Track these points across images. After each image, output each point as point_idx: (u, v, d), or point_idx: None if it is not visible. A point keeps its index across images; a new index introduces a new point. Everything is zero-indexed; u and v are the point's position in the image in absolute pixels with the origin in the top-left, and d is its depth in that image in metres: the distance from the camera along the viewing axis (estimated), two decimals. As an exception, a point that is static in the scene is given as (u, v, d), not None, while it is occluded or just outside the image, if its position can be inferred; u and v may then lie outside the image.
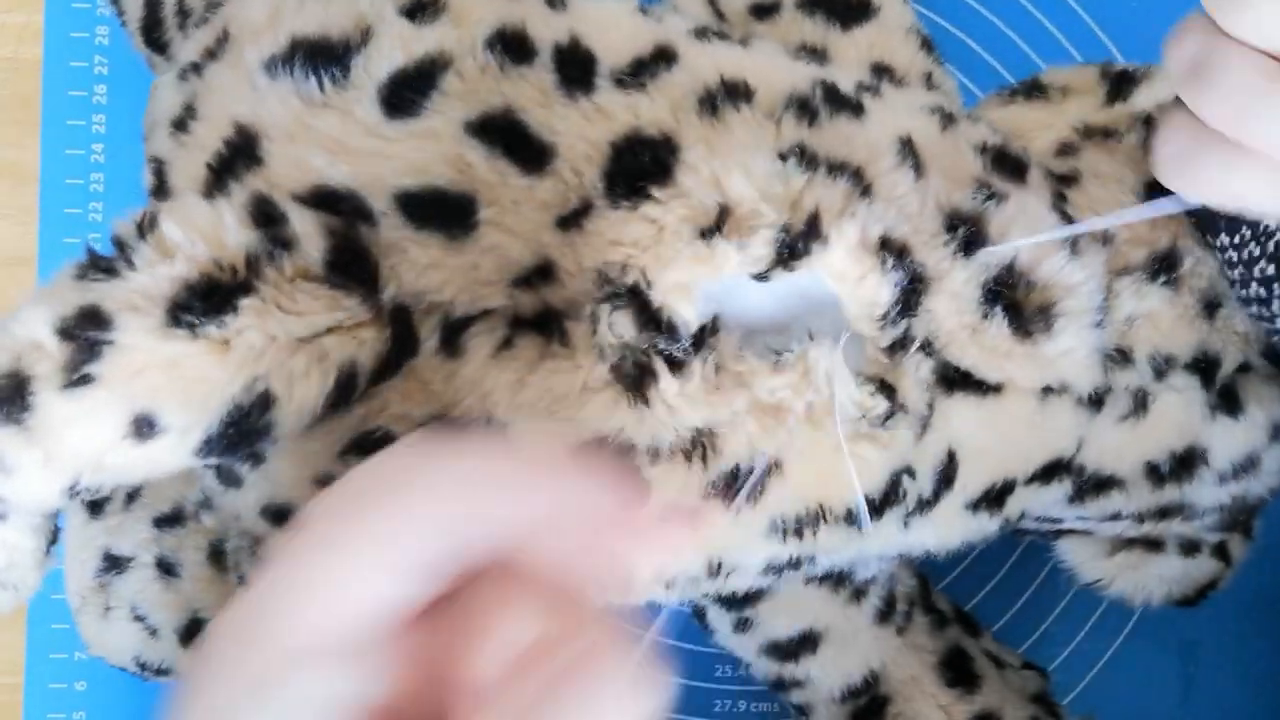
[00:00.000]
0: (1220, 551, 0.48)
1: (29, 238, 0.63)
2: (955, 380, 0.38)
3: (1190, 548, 0.48)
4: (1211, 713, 0.64)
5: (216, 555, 0.47)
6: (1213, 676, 0.64)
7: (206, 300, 0.32)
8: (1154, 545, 0.48)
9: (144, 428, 0.32)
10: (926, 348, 0.37)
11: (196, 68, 0.38)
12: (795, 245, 0.36)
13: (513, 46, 0.35)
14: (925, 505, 0.40)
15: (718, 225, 0.35)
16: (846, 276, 0.36)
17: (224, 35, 0.38)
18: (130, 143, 0.63)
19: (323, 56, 0.35)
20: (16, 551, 0.40)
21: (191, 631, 0.48)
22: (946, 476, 0.39)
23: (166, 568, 0.48)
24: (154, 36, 0.48)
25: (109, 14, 0.63)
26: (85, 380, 0.31)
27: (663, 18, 0.39)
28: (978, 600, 0.64)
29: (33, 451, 0.32)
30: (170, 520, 0.49)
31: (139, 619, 0.49)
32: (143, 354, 0.31)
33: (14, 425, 0.32)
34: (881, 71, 0.44)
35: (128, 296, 0.32)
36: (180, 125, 0.37)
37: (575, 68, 0.36)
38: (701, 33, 0.39)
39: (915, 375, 0.37)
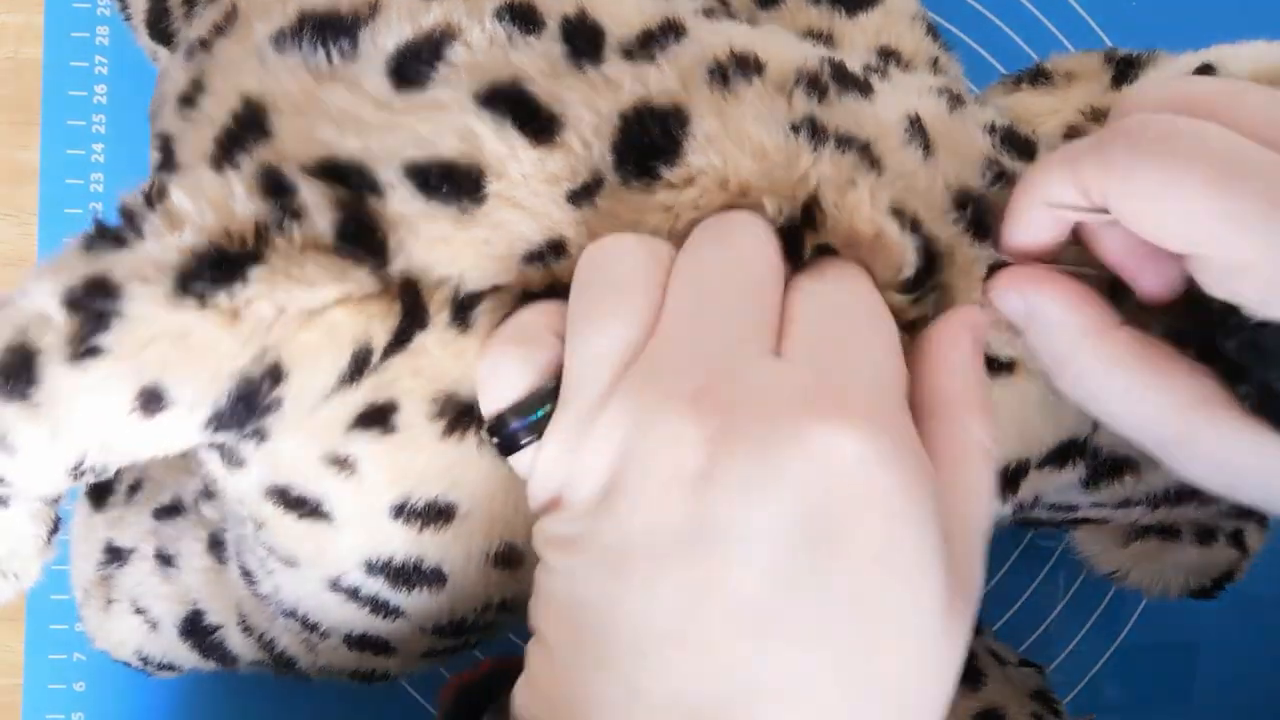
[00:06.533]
0: (1236, 539, 0.48)
1: (29, 238, 0.63)
2: None
3: (1206, 535, 0.47)
4: (1211, 713, 0.64)
5: (215, 545, 0.47)
6: (1213, 676, 0.64)
7: (216, 269, 0.31)
8: (1170, 534, 0.47)
9: (152, 401, 0.31)
10: None
11: (204, 44, 0.38)
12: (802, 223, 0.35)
13: (521, 17, 0.35)
14: None
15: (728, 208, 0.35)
16: (860, 240, 0.35)
17: (232, 10, 0.37)
18: (131, 143, 0.63)
19: (331, 29, 0.35)
20: (17, 539, 0.40)
21: (190, 625, 0.48)
22: None
23: (166, 559, 0.48)
24: (160, 27, 0.48)
25: (109, 14, 0.63)
26: (94, 352, 0.31)
27: None
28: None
29: (39, 428, 0.32)
30: (170, 511, 0.49)
31: (139, 611, 0.48)
32: (152, 324, 0.31)
33: (20, 400, 0.31)
34: (888, 55, 0.44)
35: (137, 265, 0.31)
36: (188, 101, 0.37)
37: (583, 39, 0.35)
38: (709, 12, 0.39)
39: None
